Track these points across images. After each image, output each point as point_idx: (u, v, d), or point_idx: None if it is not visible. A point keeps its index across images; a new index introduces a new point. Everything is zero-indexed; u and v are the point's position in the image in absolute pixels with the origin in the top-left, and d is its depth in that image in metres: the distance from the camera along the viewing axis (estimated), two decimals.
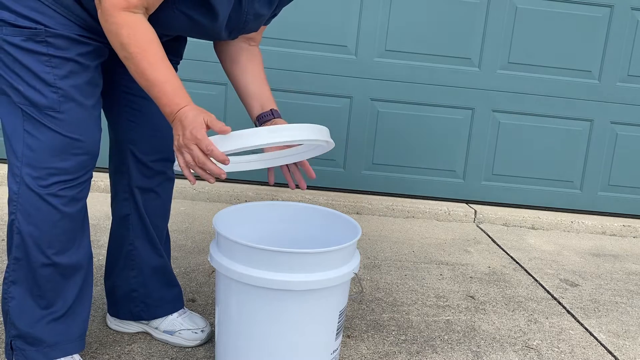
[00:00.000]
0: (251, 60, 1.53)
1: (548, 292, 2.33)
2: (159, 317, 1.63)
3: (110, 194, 1.61)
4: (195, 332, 1.62)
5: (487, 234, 3.08)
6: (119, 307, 1.63)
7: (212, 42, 1.54)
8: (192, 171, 1.23)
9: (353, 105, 3.32)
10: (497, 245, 2.91)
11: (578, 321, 2.08)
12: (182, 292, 1.70)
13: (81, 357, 1.42)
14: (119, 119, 1.51)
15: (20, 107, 1.24)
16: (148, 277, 1.60)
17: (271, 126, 1.25)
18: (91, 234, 2.17)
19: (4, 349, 1.39)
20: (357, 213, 3.22)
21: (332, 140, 1.32)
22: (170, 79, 1.21)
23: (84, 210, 1.35)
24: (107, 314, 1.68)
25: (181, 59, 1.58)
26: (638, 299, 2.36)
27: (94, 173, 1.36)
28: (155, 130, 1.51)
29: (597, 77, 3.38)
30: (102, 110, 1.39)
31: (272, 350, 1.34)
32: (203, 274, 2.14)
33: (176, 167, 1.26)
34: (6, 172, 3.04)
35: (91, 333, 1.63)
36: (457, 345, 1.80)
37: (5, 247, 2.17)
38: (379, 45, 3.27)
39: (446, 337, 1.85)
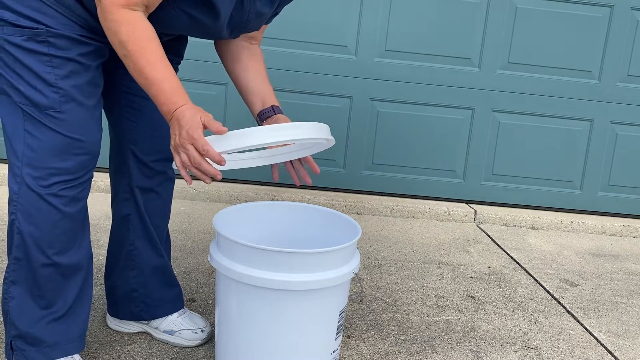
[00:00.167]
0: (252, 58, 1.53)
1: (548, 292, 2.33)
2: (159, 317, 1.63)
3: (110, 194, 1.61)
4: (195, 332, 1.62)
5: (487, 234, 3.08)
6: (119, 307, 1.63)
7: (212, 41, 1.54)
8: (188, 171, 1.23)
9: (353, 105, 3.32)
10: (497, 245, 2.91)
11: (578, 321, 2.08)
12: (182, 292, 1.70)
13: (81, 357, 1.42)
14: (119, 119, 1.51)
15: (20, 107, 1.24)
16: (148, 277, 1.60)
17: (268, 125, 1.24)
18: (91, 234, 2.17)
19: (4, 349, 1.39)
20: (357, 213, 3.22)
21: (332, 138, 1.32)
22: (169, 77, 1.21)
23: (84, 210, 1.35)
24: (107, 314, 1.68)
25: (182, 59, 1.58)
26: (638, 299, 2.36)
27: (94, 173, 1.36)
28: (155, 130, 1.51)
29: (597, 77, 3.39)
30: (102, 111, 1.39)
31: (272, 350, 1.34)
32: (203, 274, 2.14)
33: (174, 166, 1.26)
34: (6, 172, 3.04)
35: (91, 333, 1.63)
36: (457, 345, 1.80)
37: (5, 247, 2.17)
38: (379, 45, 3.27)
39: (446, 337, 1.85)
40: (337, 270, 1.33)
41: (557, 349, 1.85)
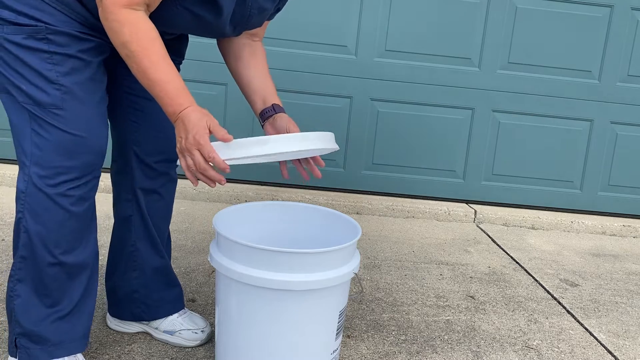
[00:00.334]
0: (254, 55, 1.52)
1: (548, 292, 2.33)
2: (159, 318, 1.63)
3: (112, 195, 1.60)
4: (195, 332, 1.62)
5: (487, 234, 3.08)
6: (120, 307, 1.63)
7: (213, 41, 1.54)
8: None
9: (353, 105, 3.32)
10: (497, 245, 2.91)
11: (578, 321, 2.08)
12: (183, 292, 1.70)
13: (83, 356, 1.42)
14: (122, 120, 1.50)
15: (25, 107, 1.24)
16: (149, 278, 1.60)
17: (274, 136, 1.24)
18: None
19: (7, 347, 1.39)
20: (357, 213, 3.22)
21: (337, 146, 1.33)
22: (173, 78, 1.21)
23: (92, 209, 1.35)
24: (107, 314, 1.67)
25: (183, 58, 1.57)
26: (638, 299, 2.36)
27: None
28: (158, 131, 1.51)
29: (597, 77, 3.39)
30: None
31: (272, 350, 1.34)
32: (203, 274, 2.14)
33: (178, 167, 1.27)
34: (7, 172, 3.05)
35: (91, 333, 1.63)
36: (457, 345, 1.80)
37: (7, 245, 2.17)
38: (378, 45, 3.27)
39: (446, 337, 1.85)
40: (337, 270, 1.33)
41: (557, 349, 1.85)
